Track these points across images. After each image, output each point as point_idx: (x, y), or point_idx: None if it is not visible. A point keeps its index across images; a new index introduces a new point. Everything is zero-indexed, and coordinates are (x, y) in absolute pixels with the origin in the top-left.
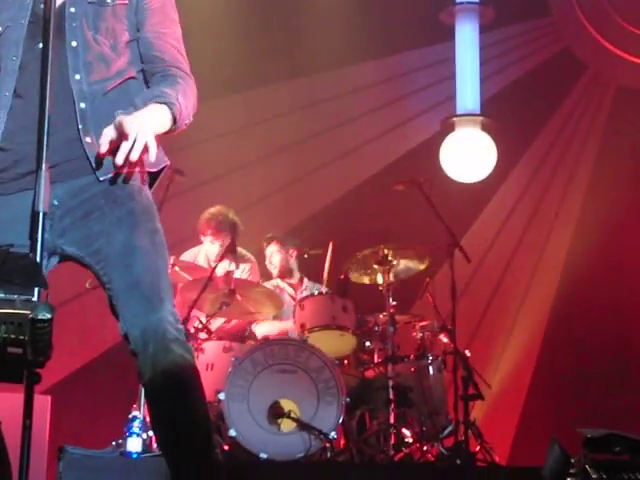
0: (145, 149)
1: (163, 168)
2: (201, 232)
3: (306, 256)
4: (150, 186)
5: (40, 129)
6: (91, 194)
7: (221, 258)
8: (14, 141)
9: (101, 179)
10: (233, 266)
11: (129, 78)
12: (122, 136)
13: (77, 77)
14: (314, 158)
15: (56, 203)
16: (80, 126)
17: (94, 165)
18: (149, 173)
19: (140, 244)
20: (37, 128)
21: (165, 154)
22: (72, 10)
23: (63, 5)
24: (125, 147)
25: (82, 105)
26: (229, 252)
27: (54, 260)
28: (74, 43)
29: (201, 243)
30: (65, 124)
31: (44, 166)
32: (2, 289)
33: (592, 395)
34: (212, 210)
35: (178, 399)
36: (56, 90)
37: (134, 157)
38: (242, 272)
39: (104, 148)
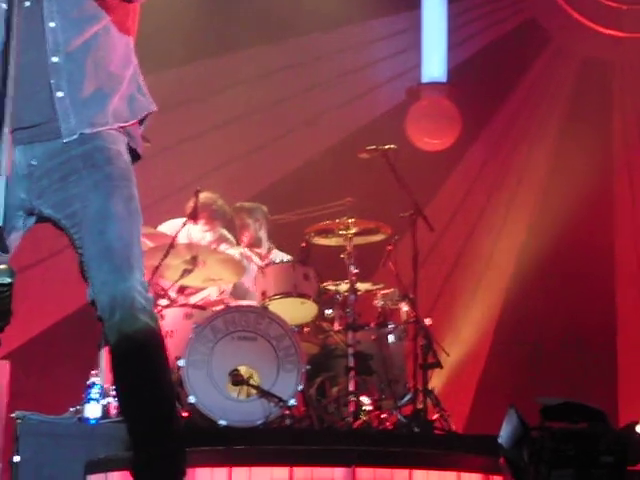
0: None
1: (147, 116)
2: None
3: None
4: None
5: (3, 89)
6: (69, 156)
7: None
8: None
9: (65, 141)
10: (224, 247)
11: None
12: None
13: (52, 25)
14: (279, 125)
15: (35, 163)
16: (52, 81)
17: (61, 125)
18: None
19: (115, 210)
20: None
21: (151, 101)
22: None
23: None
24: None
25: (54, 59)
26: (190, 219)
27: (31, 220)
28: None
29: (177, 215)
30: (47, 82)
31: (6, 129)
32: None
33: (549, 365)
34: (202, 197)
35: (142, 367)
36: (37, 43)
37: None
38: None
39: None
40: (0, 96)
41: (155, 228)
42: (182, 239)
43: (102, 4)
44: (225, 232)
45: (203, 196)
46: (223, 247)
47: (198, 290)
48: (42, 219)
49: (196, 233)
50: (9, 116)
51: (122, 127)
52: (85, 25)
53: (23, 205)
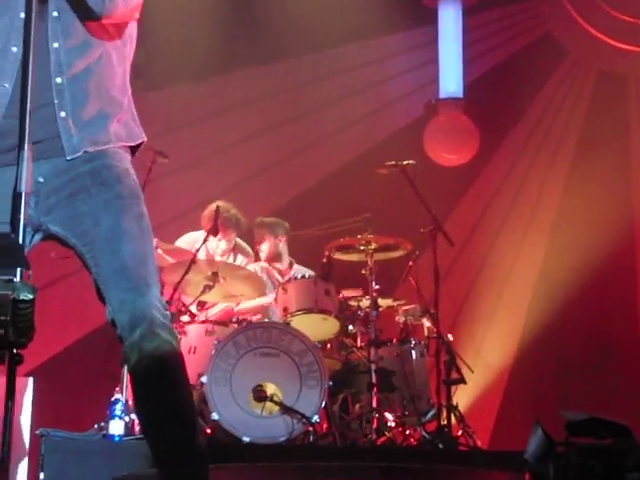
0: None
1: (140, 145)
2: (205, 227)
3: None
4: None
5: (22, 106)
6: (77, 173)
7: (230, 253)
8: (1, 113)
9: (68, 158)
10: (240, 259)
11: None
12: None
13: (55, 45)
14: (297, 141)
15: (42, 180)
16: (56, 101)
17: (64, 143)
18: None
19: (128, 229)
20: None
21: (142, 131)
22: None
23: None
24: None
25: (58, 80)
26: (210, 234)
27: (37, 237)
28: (55, 13)
29: (196, 229)
30: (50, 99)
31: (27, 145)
32: None
33: (574, 380)
34: (214, 206)
35: (163, 384)
36: (42, 61)
37: None
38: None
39: None
40: (21, 111)
41: (173, 243)
42: (201, 253)
43: (101, 30)
44: (241, 242)
45: (216, 205)
46: (240, 258)
47: (216, 304)
48: (49, 236)
49: (210, 242)
50: (29, 132)
51: (124, 146)
52: (88, 49)
53: (31, 222)
